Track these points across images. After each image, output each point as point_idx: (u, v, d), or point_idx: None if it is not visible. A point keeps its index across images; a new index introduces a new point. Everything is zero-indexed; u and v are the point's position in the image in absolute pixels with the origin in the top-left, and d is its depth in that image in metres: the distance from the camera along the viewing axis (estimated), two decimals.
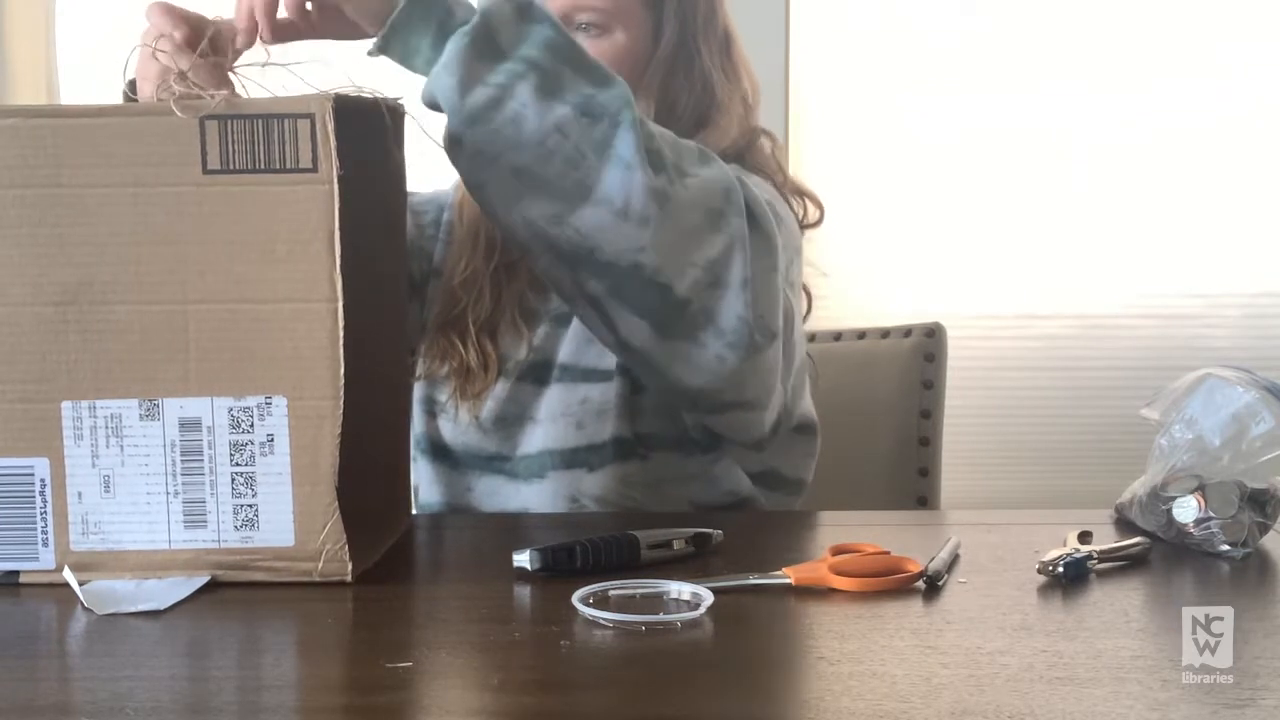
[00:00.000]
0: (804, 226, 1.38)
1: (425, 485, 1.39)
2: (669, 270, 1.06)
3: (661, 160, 1.07)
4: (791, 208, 1.35)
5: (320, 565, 0.96)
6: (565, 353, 1.32)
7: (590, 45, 1.27)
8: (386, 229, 1.10)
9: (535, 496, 1.32)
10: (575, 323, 1.31)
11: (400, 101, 1.07)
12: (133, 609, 0.91)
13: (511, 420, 1.34)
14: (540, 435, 1.32)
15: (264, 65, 1.04)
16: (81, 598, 0.93)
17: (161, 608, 0.91)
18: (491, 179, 1.06)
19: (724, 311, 1.09)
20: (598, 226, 1.05)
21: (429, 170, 1.14)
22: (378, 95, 1.02)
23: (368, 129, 1.02)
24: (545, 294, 1.34)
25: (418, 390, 1.39)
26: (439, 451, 1.38)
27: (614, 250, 1.05)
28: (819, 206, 1.40)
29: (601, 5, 1.29)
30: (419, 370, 1.38)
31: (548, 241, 1.07)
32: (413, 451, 1.40)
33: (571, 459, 1.31)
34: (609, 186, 1.04)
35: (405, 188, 1.15)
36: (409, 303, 1.38)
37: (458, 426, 1.36)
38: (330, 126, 0.93)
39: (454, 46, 1.03)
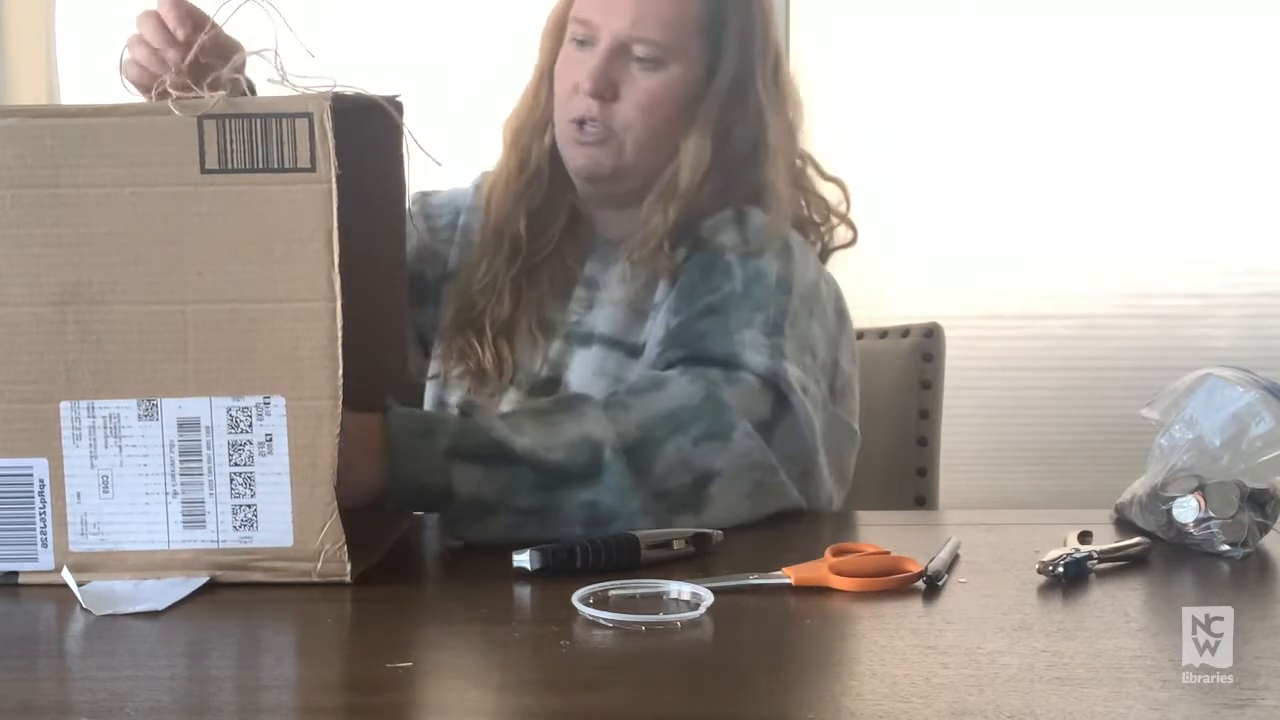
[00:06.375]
0: (835, 249, 1.37)
1: None
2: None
3: (679, 500, 1.09)
4: (824, 237, 1.36)
5: (319, 565, 0.96)
6: (576, 379, 1.30)
7: (645, 79, 1.26)
8: (386, 228, 1.10)
9: None
10: (585, 350, 1.30)
11: (399, 100, 1.07)
12: (131, 609, 0.91)
13: None
14: None
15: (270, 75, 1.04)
16: (80, 598, 0.93)
17: (160, 608, 0.91)
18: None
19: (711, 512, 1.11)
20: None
21: (429, 170, 1.14)
22: (377, 94, 1.02)
23: (366, 128, 1.01)
24: (564, 304, 1.34)
25: (429, 391, 1.39)
26: None
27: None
28: (852, 228, 1.39)
29: (658, 39, 1.25)
30: (433, 370, 1.37)
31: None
32: None
33: None
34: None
35: (405, 187, 1.14)
36: (422, 305, 1.37)
37: None
38: (328, 126, 0.92)
39: (451, 524, 1.07)
